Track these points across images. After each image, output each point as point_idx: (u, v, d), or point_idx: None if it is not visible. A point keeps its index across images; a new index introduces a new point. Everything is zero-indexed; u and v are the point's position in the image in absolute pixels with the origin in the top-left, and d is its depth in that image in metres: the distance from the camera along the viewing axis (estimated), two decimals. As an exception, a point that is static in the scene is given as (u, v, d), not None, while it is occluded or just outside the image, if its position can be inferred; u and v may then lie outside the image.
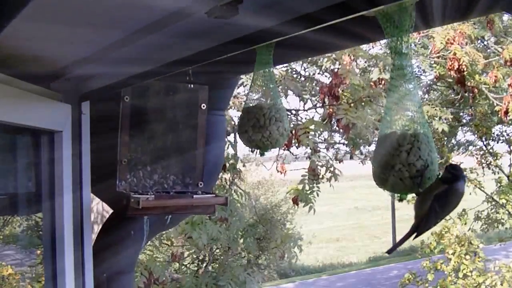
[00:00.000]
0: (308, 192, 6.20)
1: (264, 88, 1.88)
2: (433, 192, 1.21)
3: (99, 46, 1.58)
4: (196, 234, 5.27)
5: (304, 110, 7.35)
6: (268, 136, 1.83)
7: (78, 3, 1.21)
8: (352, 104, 5.86)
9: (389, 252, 1.36)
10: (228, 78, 2.59)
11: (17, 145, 2.29)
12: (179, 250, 6.69)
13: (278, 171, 7.05)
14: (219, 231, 5.61)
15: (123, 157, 2.24)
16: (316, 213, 6.17)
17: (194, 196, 2.23)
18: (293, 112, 7.40)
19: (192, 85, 2.24)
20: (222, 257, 7.37)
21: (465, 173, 8.44)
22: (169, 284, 5.97)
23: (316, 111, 7.43)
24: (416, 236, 1.28)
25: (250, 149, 2.15)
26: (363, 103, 5.91)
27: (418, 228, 1.27)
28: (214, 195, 2.35)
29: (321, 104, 6.97)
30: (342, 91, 5.95)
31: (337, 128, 6.55)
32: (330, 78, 6.10)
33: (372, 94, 5.94)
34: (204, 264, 7.64)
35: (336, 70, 6.02)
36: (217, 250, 7.63)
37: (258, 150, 1.90)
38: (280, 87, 6.57)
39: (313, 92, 7.41)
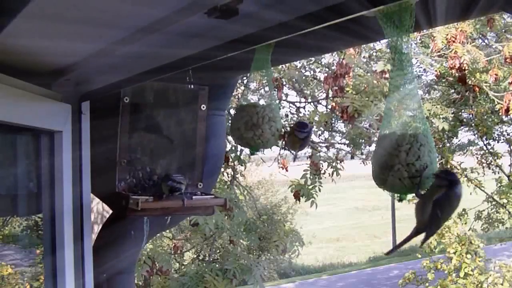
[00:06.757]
0: (310, 187, 6.19)
1: (261, 87, 1.88)
2: (432, 198, 1.21)
3: (99, 46, 1.58)
4: (202, 220, 5.27)
5: (307, 102, 7.34)
6: (260, 135, 1.81)
7: (79, 3, 1.21)
8: (357, 95, 5.82)
9: (388, 253, 1.38)
10: (228, 78, 2.59)
11: (17, 145, 2.29)
12: (180, 242, 6.68)
13: (280, 167, 7.03)
14: (222, 222, 5.62)
15: (123, 157, 2.23)
16: (316, 213, 6.17)
17: (194, 197, 2.22)
18: (296, 105, 7.38)
19: (192, 86, 2.24)
20: (221, 254, 7.36)
21: (465, 172, 8.46)
22: (171, 274, 5.97)
23: (320, 103, 7.41)
24: (424, 241, 1.30)
25: (241, 148, 2.13)
26: (367, 93, 5.86)
27: (426, 233, 1.27)
28: (213, 196, 2.34)
29: (324, 96, 6.94)
30: (347, 81, 5.91)
31: (341, 120, 6.48)
32: (335, 69, 6.05)
33: (377, 85, 5.90)
34: (204, 264, 7.63)
35: (341, 60, 5.98)
36: (219, 244, 7.61)
37: (249, 149, 1.89)
38: (283, 78, 6.55)
39: (316, 88, 7.38)
